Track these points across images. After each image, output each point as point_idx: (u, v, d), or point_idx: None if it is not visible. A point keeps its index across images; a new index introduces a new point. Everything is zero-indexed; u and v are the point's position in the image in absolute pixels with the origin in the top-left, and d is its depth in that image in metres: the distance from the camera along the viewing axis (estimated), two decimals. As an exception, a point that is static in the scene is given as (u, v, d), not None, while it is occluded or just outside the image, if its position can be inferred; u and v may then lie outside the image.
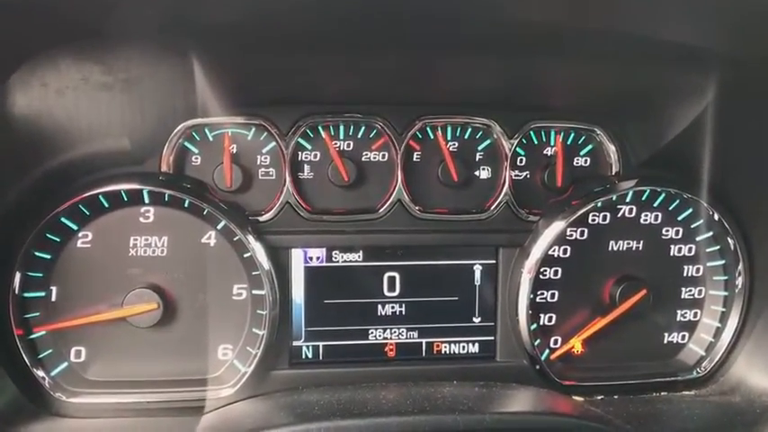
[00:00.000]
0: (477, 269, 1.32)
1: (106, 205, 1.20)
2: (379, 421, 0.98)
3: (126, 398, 1.21)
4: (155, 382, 1.23)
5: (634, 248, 1.35)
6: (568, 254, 1.33)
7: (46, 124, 1.04)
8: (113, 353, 1.23)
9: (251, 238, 1.21)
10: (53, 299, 1.20)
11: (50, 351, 1.20)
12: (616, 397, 1.31)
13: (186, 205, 1.21)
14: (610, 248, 1.34)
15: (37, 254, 1.18)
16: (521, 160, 1.34)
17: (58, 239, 1.19)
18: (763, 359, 1.31)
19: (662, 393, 1.33)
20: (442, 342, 1.32)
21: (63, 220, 1.18)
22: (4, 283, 1.16)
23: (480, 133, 1.33)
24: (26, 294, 1.18)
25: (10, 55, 0.79)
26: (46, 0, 0.73)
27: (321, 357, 1.29)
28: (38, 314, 1.19)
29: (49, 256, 1.19)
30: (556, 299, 1.33)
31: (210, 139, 1.25)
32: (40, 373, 1.19)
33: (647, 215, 1.35)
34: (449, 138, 1.32)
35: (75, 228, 1.20)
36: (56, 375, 1.20)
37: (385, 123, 1.28)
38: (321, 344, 1.29)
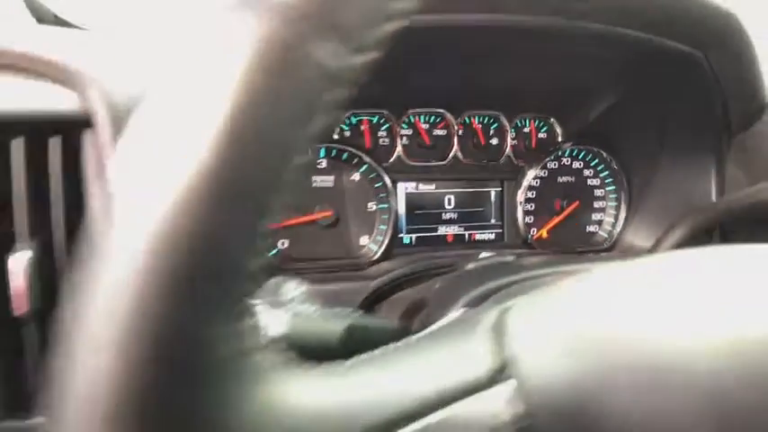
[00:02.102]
0: (492, 192, 2.36)
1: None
2: None
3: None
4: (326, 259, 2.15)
5: (571, 181, 2.39)
6: (539, 184, 2.30)
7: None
8: (303, 241, 2.15)
9: (383, 174, 2.17)
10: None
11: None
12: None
13: (344, 158, 2.17)
14: (558, 181, 2.31)
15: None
16: (512, 135, 2.41)
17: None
18: (639, 233, 2.29)
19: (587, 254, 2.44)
20: (476, 233, 2.37)
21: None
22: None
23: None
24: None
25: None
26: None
27: (414, 244, 2.28)
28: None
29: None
30: (533, 208, 2.37)
31: (353, 122, 2.22)
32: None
33: (578, 163, 2.39)
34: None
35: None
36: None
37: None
38: (414, 236, 2.26)
